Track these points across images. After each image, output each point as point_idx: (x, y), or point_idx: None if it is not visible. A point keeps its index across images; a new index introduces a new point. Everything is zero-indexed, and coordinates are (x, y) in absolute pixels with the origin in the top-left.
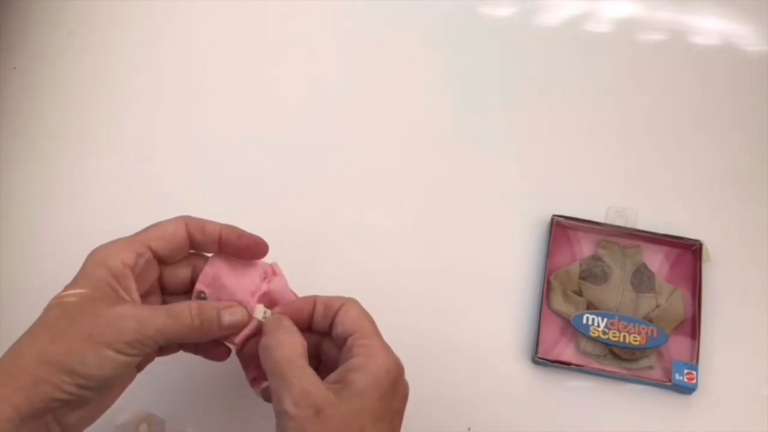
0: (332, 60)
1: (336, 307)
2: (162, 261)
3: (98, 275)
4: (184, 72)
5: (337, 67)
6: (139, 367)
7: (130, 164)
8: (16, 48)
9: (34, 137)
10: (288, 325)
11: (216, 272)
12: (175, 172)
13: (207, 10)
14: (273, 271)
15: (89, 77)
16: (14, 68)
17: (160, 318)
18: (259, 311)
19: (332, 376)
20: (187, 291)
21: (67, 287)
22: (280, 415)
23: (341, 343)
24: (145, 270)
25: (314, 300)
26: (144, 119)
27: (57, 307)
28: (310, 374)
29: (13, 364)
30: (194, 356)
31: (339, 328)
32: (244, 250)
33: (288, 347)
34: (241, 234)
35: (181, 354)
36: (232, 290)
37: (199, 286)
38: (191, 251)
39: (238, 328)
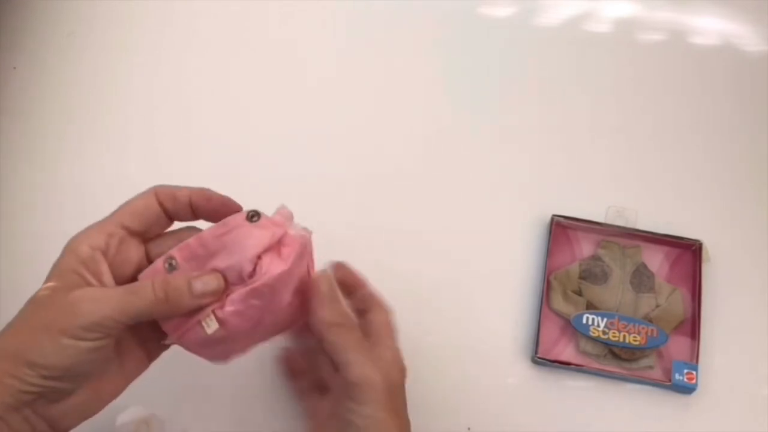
0: (331, 60)
1: (374, 305)
2: (142, 237)
3: (67, 265)
4: (184, 72)
5: (336, 68)
6: (122, 355)
7: (130, 164)
8: (16, 48)
9: (34, 137)
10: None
11: (201, 244)
12: (175, 171)
13: (207, 10)
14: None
15: (89, 77)
16: (14, 68)
17: (118, 296)
18: (211, 323)
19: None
20: None
21: (45, 281)
22: (363, 390)
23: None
24: (122, 250)
25: (364, 284)
26: (144, 119)
27: (30, 303)
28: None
29: None
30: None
31: (370, 324)
32: (213, 213)
33: (356, 330)
34: (210, 196)
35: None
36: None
37: (172, 252)
38: (180, 225)
39: (214, 296)
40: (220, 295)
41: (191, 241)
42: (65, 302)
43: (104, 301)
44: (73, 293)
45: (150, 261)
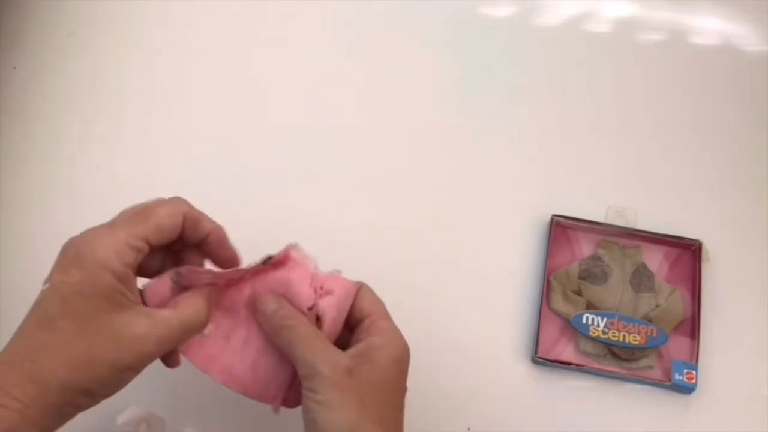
0: (330, 60)
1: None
2: (153, 248)
3: (104, 281)
4: (184, 72)
5: (334, 68)
6: None
7: (130, 164)
8: (16, 48)
9: (34, 137)
10: (293, 310)
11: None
12: (175, 172)
13: (207, 11)
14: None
15: (89, 77)
16: (14, 68)
17: (172, 330)
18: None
19: (352, 351)
20: (160, 270)
21: (68, 293)
22: (313, 376)
23: (355, 323)
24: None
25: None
26: (144, 119)
27: (68, 321)
28: (328, 342)
29: (39, 392)
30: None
31: (356, 312)
32: (215, 256)
33: (307, 326)
34: (224, 243)
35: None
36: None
37: (180, 268)
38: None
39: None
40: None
41: (217, 272)
42: (129, 335)
43: (166, 339)
44: (133, 324)
45: (148, 268)
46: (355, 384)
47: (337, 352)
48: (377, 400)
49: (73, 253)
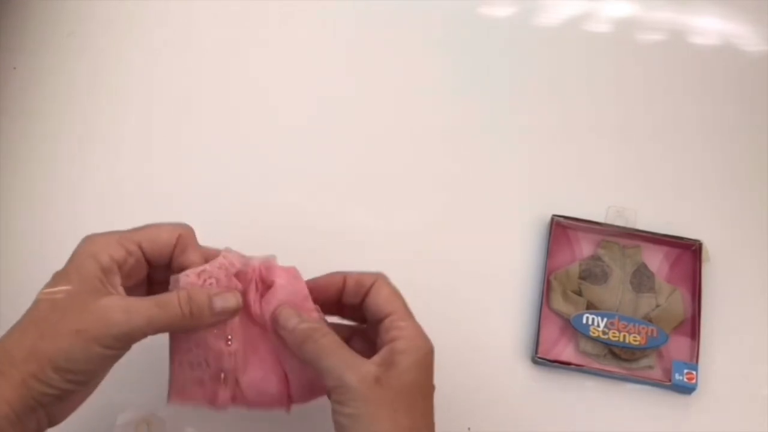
0: (330, 60)
1: (368, 284)
2: (149, 262)
3: (88, 268)
4: (184, 72)
5: (334, 68)
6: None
7: (130, 164)
8: (16, 48)
9: (34, 137)
10: (315, 322)
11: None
12: (175, 172)
13: (207, 11)
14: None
15: (89, 77)
16: (14, 68)
17: (147, 308)
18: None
19: (376, 359)
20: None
21: (57, 278)
22: (341, 389)
23: (375, 321)
24: (133, 268)
25: (344, 277)
26: (144, 119)
27: (46, 302)
28: (354, 352)
29: (4, 361)
30: None
31: (372, 308)
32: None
33: (331, 337)
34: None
35: None
36: None
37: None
38: None
39: (231, 314)
40: (237, 313)
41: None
42: (95, 309)
43: (135, 312)
44: (102, 300)
45: (153, 285)
46: (384, 393)
47: (364, 361)
48: (408, 407)
49: (75, 248)
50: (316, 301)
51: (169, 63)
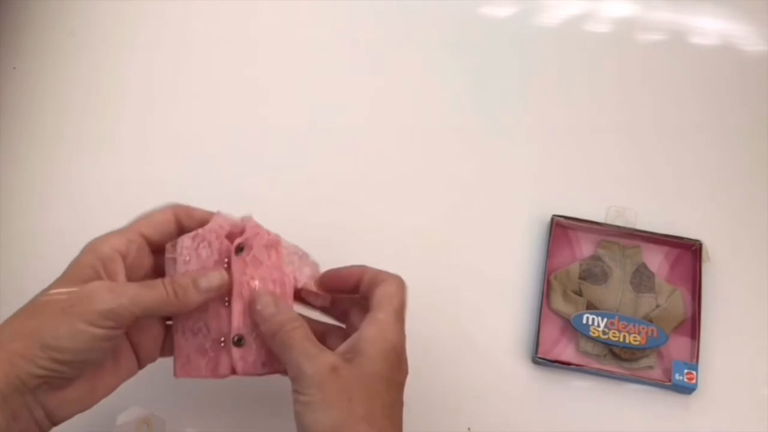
0: (331, 61)
1: (380, 280)
2: (154, 248)
3: (85, 261)
4: (184, 72)
5: (335, 68)
6: (117, 356)
7: (130, 164)
8: (16, 48)
9: (34, 137)
10: (286, 307)
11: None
12: (175, 172)
13: (206, 10)
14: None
15: (89, 77)
16: (14, 68)
17: (132, 288)
18: None
19: (343, 346)
20: None
21: (55, 282)
22: (299, 378)
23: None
24: (138, 256)
25: (364, 270)
26: (144, 119)
27: (42, 294)
28: (318, 344)
29: None
30: None
31: (372, 300)
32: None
33: (302, 331)
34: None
35: None
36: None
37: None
38: None
39: (218, 291)
40: (223, 288)
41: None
42: (82, 290)
43: (120, 292)
44: (90, 284)
45: (160, 269)
46: (340, 382)
47: (325, 352)
48: (367, 396)
49: (77, 257)
50: (336, 289)
51: (169, 63)
